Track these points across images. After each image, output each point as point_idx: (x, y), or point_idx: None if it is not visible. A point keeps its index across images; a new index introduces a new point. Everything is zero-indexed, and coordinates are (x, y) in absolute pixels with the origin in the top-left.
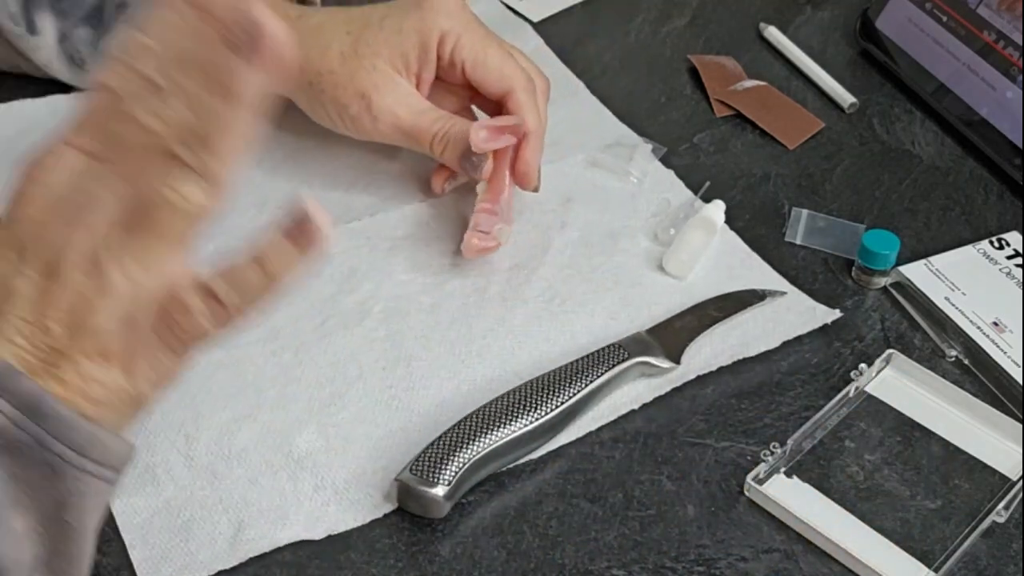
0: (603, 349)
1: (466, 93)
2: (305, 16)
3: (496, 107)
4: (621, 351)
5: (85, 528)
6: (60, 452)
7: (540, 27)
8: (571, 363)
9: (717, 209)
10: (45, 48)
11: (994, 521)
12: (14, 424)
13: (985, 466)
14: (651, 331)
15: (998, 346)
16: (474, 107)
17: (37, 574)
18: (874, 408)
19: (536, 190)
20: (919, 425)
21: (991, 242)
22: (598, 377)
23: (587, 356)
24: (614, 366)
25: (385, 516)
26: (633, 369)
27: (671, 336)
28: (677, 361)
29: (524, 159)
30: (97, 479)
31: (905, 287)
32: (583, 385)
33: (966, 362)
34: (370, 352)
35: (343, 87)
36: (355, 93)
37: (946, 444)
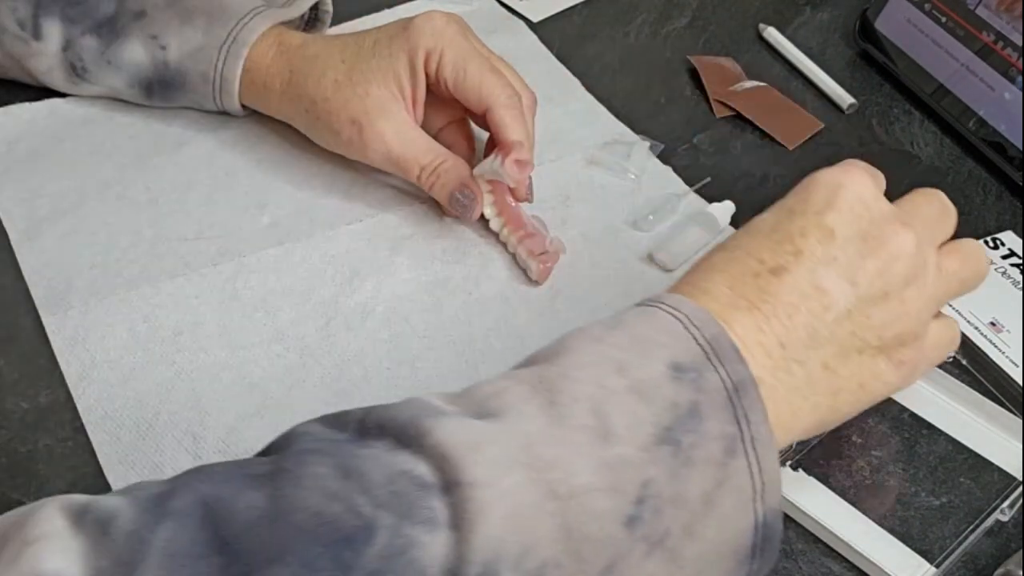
0: None
1: (459, 106)
2: (306, 44)
3: (483, 121)
4: None
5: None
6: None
7: (540, 27)
8: None
9: (725, 210)
10: (46, 55)
11: (997, 519)
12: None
13: (990, 464)
14: None
15: (996, 346)
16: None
17: None
18: (880, 404)
19: (529, 200)
20: (925, 422)
21: (987, 242)
22: None
23: None
24: None
25: None
26: None
27: None
28: None
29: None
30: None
31: None
32: None
33: (964, 362)
34: (374, 353)
35: (336, 114)
36: (348, 120)
37: (952, 441)
